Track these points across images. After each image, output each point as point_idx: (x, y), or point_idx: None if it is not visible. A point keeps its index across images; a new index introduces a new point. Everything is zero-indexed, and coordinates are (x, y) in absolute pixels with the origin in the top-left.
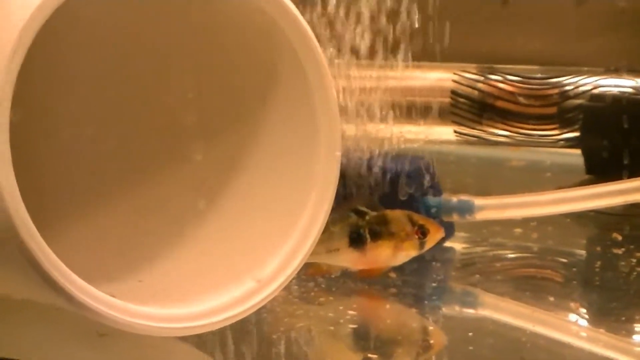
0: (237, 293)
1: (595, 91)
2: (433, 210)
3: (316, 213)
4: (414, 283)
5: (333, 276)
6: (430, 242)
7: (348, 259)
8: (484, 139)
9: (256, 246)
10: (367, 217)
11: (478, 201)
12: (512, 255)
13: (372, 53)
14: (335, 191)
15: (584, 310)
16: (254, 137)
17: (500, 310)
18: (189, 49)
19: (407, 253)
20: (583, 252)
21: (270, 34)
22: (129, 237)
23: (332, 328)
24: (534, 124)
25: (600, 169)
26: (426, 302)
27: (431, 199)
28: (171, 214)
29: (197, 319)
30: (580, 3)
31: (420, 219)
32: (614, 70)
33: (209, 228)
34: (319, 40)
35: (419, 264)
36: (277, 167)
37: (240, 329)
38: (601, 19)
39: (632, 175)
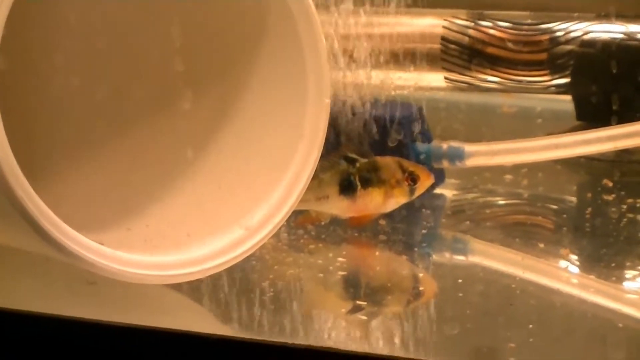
0: (226, 241)
1: (586, 37)
2: (422, 156)
3: (305, 160)
4: (404, 230)
5: (322, 224)
6: (421, 188)
7: (338, 207)
8: (474, 85)
9: (245, 194)
10: (358, 165)
11: (468, 147)
12: (503, 202)
13: None
14: (324, 138)
15: (574, 257)
16: (242, 85)
17: (491, 257)
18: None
19: (397, 200)
20: (573, 199)
21: None
22: (118, 186)
23: (321, 275)
24: (524, 70)
25: (590, 115)
26: (416, 249)
27: (421, 146)
28: (160, 164)
29: (186, 266)
30: None
31: (410, 165)
32: (605, 15)
33: (198, 177)
34: None
35: (409, 211)
36: (266, 114)
37: (230, 277)
38: None
39: (621, 121)
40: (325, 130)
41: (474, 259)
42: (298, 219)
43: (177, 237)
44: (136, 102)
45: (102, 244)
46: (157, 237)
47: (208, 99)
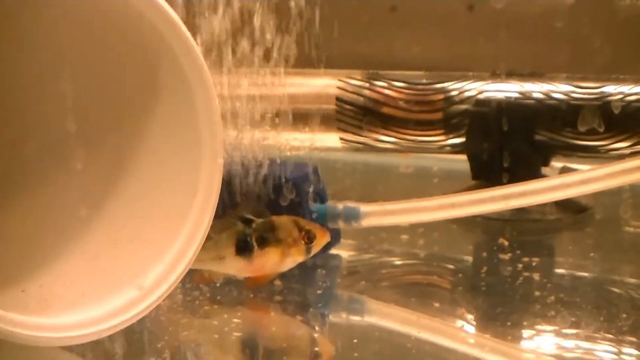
0: (120, 301)
1: (481, 96)
2: (314, 215)
3: (199, 220)
4: (300, 291)
5: (218, 284)
6: (317, 246)
7: (235, 267)
8: (370, 145)
9: (140, 253)
10: (254, 225)
11: (364, 207)
12: (399, 262)
13: (257, 60)
14: (217, 198)
15: (471, 316)
16: (136, 144)
17: (387, 317)
18: (67, 54)
19: (294, 259)
20: (469, 258)
21: (150, 40)
22: (12, 247)
23: (217, 337)
24: (420, 130)
25: (485, 174)
26: (312, 309)
27: (317, 206)
28: (54, 224)
29: (80, 327)
30: (472, 8)
31: (306, 224)
32: (499, 74)
33: (92, 237)
34: (201, 47)
35: (306, 271)
36: (161, 174)
37: (125, 338)
38: (489, 24)
39: (515, 180)
40: (219, 190)
41: (370, 319)
42: (192, 279)
43: (72, 297)
44: (31, 158)
45: None
46: (52, 297)
47: (101, 157)
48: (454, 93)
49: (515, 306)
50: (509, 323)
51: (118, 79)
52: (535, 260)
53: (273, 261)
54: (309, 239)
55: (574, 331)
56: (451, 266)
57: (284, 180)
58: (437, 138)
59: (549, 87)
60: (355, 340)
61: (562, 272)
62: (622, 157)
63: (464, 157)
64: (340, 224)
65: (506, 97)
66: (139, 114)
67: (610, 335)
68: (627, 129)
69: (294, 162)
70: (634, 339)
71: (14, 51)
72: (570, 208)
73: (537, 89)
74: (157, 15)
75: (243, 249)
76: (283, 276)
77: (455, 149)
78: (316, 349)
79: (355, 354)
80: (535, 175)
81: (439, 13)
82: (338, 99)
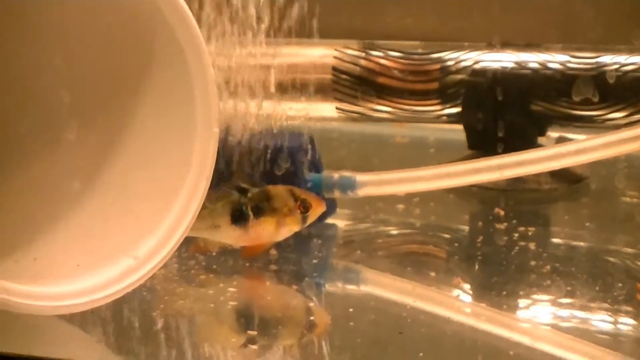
0: (115, 271)
1: (477, 66)
2: (310, 185)
3: (194, 190)
4: (296, 260)
5: (213, 254)
6: (313, 216)
7: (230, 236)
8: (366, 115)
9: (135, 224)
10: (249, 194)
11: (360, 177)
12: (395, 232)
13: (253, 30)
14: (212, 167)
15: (466, 286)
16: (131, 114)
17: (382, 286)
18: (60, 28)
19: (289, 228)
20: (466, 228)
21: (146, 11)
22: (5, 219)
23: (212, 306)
24: (416, 100)
25: (481, 144)
26: (308, 279)
27: (312, 175)
28: (48, 196)
29: (74, 297)
30: None
31: (302, 193)
32: (495, 45)
33: (87, 207)
34: (196, 17)
35: (301, 241)
36: (155, 143)
37: (120, 307)
38: None
39: (511, 149)
40: (214, 159)
41: (366, 288)
42: (188, 248)
43: (66, 268)
44: (24, 132)
45: None
46: (47, 268)
47: (94, 129)
48: (450, 63)
49: (510, 276)
50: (504, 292)
51: (112, 50)
52: (531, 230)
53: (268, 230)
54: (305, 208)
55: (569, 300)
56: (447, 236)
57: (279, 149)
58: (433, 108)
59: (545, 57)
60: (351, 310)
61: (557, 242)
62: (618, 127)
63: (460, 127)
64: (336, 194)
65: (502, 67)
66: (133, 84)
67: (606, 305)
68: (623, 99)
69: (289, 132)
70: (629, 308)
71: (4, 27)
72: (566, 178)
73: (533, 59)
74: None
75: (238, 218)
76: (278, 245)
77: (451, 119)
78: (311, 318)
79: (351, 324)
80: (531, 145)
81: None
82: (334, 68)
